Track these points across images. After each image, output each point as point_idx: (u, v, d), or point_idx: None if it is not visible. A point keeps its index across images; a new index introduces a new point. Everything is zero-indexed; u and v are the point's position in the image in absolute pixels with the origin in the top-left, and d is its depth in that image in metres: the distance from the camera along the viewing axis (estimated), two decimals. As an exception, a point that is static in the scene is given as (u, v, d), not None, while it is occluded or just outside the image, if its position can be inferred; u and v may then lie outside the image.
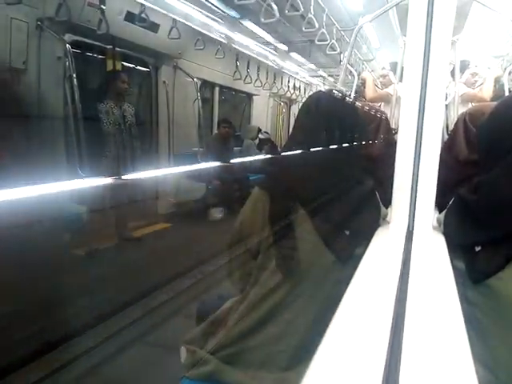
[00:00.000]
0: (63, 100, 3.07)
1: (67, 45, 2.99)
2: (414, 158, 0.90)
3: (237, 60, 5.11)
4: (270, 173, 1.15)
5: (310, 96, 1.18)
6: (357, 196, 1.04)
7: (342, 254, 0.95)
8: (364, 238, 0.88)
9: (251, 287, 1.00)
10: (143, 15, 3.35)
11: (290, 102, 8.56)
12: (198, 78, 4.78)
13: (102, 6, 2.89)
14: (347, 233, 0.98)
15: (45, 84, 2.95)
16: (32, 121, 2.90)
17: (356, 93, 3.53)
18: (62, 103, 3.08)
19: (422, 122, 0.89)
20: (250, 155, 5.87)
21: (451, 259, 0.76)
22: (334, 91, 1.20)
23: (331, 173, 1.03)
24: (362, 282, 0.62)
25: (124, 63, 4.24)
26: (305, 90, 7.77)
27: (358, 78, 3.69)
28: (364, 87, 3.42)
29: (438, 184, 0.90)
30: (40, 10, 2.89)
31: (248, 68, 5.39)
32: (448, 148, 1.27)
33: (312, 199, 1.00)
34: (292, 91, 7.23)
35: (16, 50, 2.74)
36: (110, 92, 3.46)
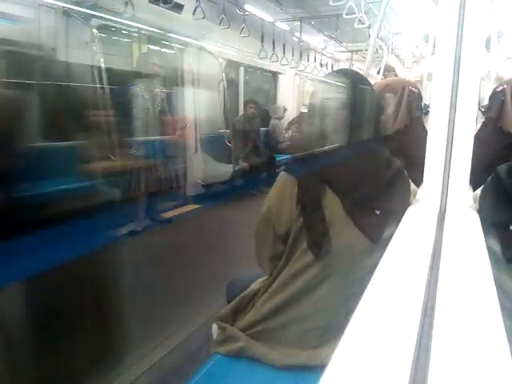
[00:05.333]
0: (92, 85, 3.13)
1: (94, 30, 3.03)
2: (448, 134, 0.86)
3: (262, 39, 5.03)
4: (298, 155, 1.14)
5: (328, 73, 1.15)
6: (386, 175, 1.02)
7: (372, 233, 0.94)
8: (395, 217, 0.87)
9: (281, 269, 1.01)
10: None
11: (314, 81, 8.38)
12: (222, 59, 4.74)
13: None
14: (377, 212, 0.97)
15: (74, 70, 3.00)
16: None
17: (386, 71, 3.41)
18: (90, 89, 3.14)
19: (456, 96, 0.85)
20: (276, 136, 5.82)
21: (485, 238, 0.73)
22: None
23: (358, 152, 1.01)
24: (392, 263, 0.62)
25: (149, 46, 4.26)
26: (332, 66, 7.57)
27: (388, 52, 3.57)
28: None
29: (473, 161, 0.86)
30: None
31: (273, 46, 5.30)
32: (489, 124, 1.22)
33: (340, 180, 0.99)
34: (319, 68, 7.07)
35: (45, 38, 2.80)
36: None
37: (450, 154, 0.86)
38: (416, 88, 1.43)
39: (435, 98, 0.88)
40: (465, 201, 0.89)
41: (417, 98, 1.42)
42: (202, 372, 1.00)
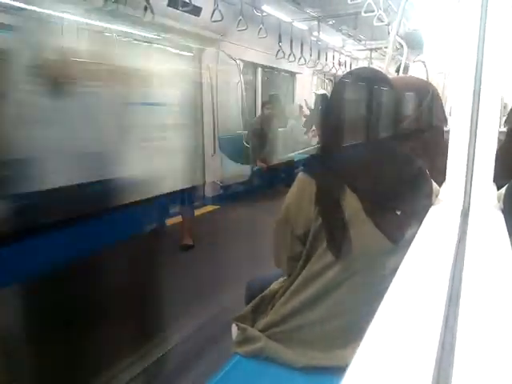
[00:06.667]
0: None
1: (114, 34, 3.09)
2: (471, 131, 0.84)
3: (279, 39, 5.02)
4: (316, 155, 1.13)
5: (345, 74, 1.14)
6: (407, 174, 1.00)
7: (392, 234, 0.93)
8: (416, 217, 0.85)
9: (300, 270, 1.01)
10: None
11: (335, 79, 8.32)
12: (240, 60, 4.76)
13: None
14: (398, 213, 0.95)
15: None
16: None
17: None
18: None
19: (479, 91, 0.83)
20: (294, 135, 5.80)
21: (510, 239, 0.71)
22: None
23: (378, 152, 1.00)
24: (414, 263, 0.60)
25: (167, 49, 4.31)
26: (351, 65, 7.51)
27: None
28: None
29: (497, 160, 0.84)
30: (87, 2, 3.00)
31: (291, 46, 5.29)
32: None
33: (360, 180, 0.98)
34: (337, 67, 7.02)
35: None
36: None
37: (474, 152, 0.84)
38: (436, 87, 1.40)
39: (457, 92, 0.86)
40: (489, 200, 0.87)
41: (438, 96, 1.39)
42: (221, 372, 1.00)
